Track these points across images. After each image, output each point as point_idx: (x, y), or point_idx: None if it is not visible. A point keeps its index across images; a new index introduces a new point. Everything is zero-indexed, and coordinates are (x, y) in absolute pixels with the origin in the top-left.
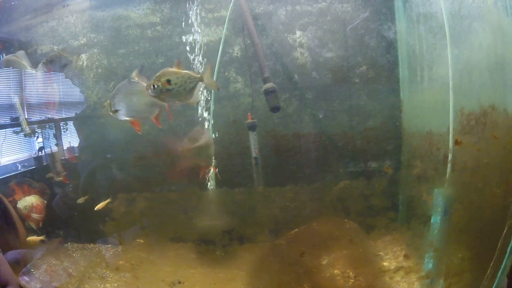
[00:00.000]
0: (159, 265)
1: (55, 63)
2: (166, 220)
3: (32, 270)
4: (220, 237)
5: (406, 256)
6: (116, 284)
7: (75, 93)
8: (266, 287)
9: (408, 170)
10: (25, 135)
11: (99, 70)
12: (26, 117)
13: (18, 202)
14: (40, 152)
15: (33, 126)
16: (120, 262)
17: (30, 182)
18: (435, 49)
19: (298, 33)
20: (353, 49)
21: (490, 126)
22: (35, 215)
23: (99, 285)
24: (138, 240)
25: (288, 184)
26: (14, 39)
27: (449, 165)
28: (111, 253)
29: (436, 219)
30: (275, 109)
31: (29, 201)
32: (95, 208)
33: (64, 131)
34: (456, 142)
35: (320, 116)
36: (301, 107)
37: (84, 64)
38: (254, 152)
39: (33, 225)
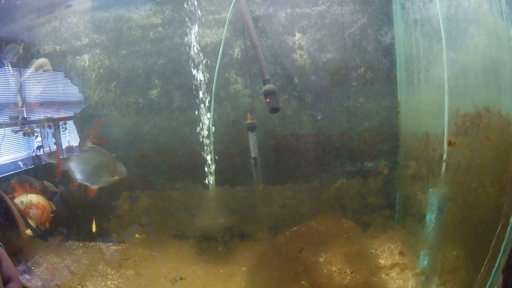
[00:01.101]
0: (161, 261)
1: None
2: (169, 217)
3: (33, 268)
4: (221, 234)
5: (401, 253)
6: (118, 282)
7: (76, 93)
8: (265, 283)
9: (404, 170)
10: (24, 134)
11: (101, 70)
12: (26, 116)
13: (16, 197)
14: (38, 151)
15: (33, 125)
16: (123, 259)
17: (32, 181)
18: (432, 52)
19: (297, 35)
20: (352, 51)
21: (484, 128)
22: (34, 213)
23: (101, 282)
24: (140, 237)
25: (288, 182)
26: (17, 39)
27: (443, 165)
28: (114, 250)
29: (430, 218)
30: (274, 110)
31: (28, 198)
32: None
33: (63, 131)
34: (450, 143)
35: (319, 118)
36: (300, 108)
37: (86, 65)
38: (253, 152)
39: (32, 223)
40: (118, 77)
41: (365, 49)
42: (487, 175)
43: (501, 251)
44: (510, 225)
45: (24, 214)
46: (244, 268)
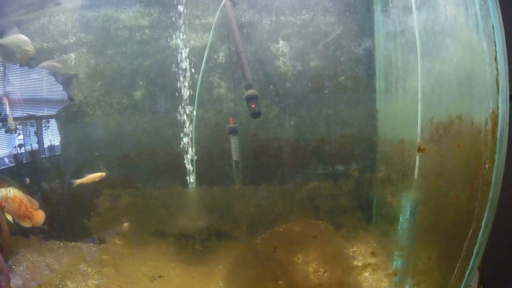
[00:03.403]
0: (141, 259)
1: None
2: (149, 215)
3: (13, 267)
4: (201, 234)
5: (373, 254)
6: (97, 281)
7: (60, 91)
8: (242, 281)
9: (381, 175)
10: (6, 132)
11: (86, 69)
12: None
13: None
14: (19, 149)
15: (15, 122)
16: (103, 257)
17: (10, 183)
18: (409, 63)
19: (281, 42)
20: (333, 60)
21: (456, 135)
22: (9, 207)
23: (81, 281)
24: (121, 235)
25: (268, 185)
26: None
27: (416, 170)
28: (95, 248)
29: (403, 220)
30: (256, 114)
31: (3, 192)
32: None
33: (45, 129)
34: (419, 149)
35: (292, 123)
36: (281, 114)
37: (72, 63)
38: (235, 156)
39: (9, 217)
40: (104, 77)
41: (346, 58)
42: (459, 181)
43: (474, 253)
44: (482, 228)
45: (2, 210)
46: (221, 266)
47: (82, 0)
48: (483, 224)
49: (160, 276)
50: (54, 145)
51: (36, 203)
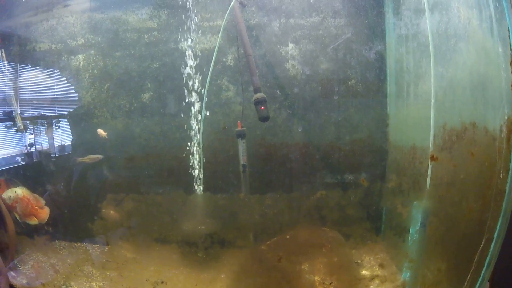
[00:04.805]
0: (144, 264)
1: None
2: (152, 221)
3: (19, 266)
4: (202, 240)
5: (381, 266)
6: (102, 283)
7: (69, 92)
8: None
9: (391, 184)
10: (16, 131)
11: (95, 71)
12: (19, 112)
13: (3, 193)
14: (30, 148)
15: (25, 121)
16: (107, 260)
17: (17, 183)
18: (421, 67)
19: (290, 45)
20: (343, 63)
21: (469, 143)
22: (19, 208)
23: (85, 283)
24: (124, 240)
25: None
26: (14, 35)
27: (428, 179)
28: (98, 251)
29: (413, 231)
30: (264, 118)
31: (14, 193)
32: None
33: (56, 129)
34: (432, 158)
35: (299, 130)
36: (290, 118)
37: (81, 65)
38: (242, 160)
39: (18, 217)
40: (112, 78)
41: (356, 62)
42: (472, 191)
43: (485, 265)
44: (494, 240)
45: (11, 209)
46: (223, 275)
47: (90, 1)
48: (495, 235)
49: (162, 282)
50: (64, 144)
51: (43, 201)
